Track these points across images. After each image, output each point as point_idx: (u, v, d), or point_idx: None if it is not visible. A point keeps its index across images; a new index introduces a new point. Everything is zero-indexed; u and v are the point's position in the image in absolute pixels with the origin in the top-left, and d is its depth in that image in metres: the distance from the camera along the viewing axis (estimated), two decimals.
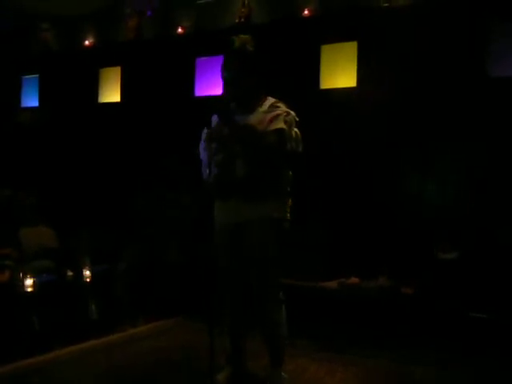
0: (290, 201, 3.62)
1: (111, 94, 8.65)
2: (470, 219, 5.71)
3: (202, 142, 3.65)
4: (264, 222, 3.48)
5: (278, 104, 3.54)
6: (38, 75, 9.53)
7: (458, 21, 5.94)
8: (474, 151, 5.79)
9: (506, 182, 5.65)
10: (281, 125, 3.41)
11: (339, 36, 6.63)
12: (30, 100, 9.63)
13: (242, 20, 7.27)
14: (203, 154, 3.64)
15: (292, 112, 3.53)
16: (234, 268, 3.65)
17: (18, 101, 9.75)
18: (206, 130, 3.59)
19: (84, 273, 5.80)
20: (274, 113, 3.45)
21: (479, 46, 5.85)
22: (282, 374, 3.65)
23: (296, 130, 3.52)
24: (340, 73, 6.61)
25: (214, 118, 3.55)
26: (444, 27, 5.99)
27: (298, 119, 3.55)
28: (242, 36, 3.56)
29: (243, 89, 3.53)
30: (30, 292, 5.24)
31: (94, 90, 8.76)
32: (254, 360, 3.95)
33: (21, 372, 3.97)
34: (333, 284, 5.82)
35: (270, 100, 3.57)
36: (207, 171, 3.50)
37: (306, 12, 6.89)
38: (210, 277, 3.49)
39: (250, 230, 3.51)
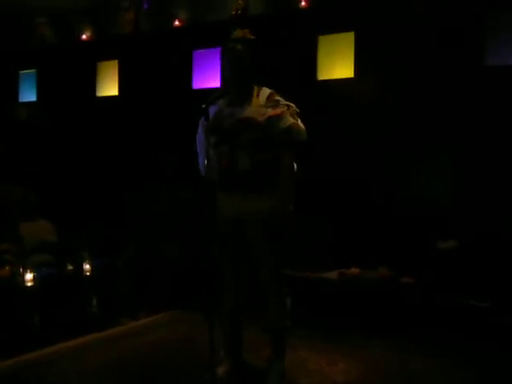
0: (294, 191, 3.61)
1: (109, 88, 8.62)
2: (468, 209, 5.70)
3: (200, 133, 3.66)
4: (268, 213, 3.49)
5: (277, 97, 3.54)
6: (35, 70, 9.51)
7: (455, 11, 5.91)
8: (472, 142, 5.78)
9: (504, 172, 5.64)
10: (290, 121, 3.43)
11: (336, 27, 6.60)
12: (28, 95, 9.60)
13: (239, 12, 7.24)
14: (199, 147, 3.67)
15: (291, 104, 3.54)
16: (236, 259, 3.66)
17: (16, 96, 9.72)
18: (203, 121, 3.59)
19: (84, 266, 5.82)
20: (276, 110, 3.45)
21: (476, 37, 5.82)
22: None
23: (300, 122, 3.50)
24: (337, 63, 6.60)
25: (212, 110, 3.54)
26: (441, 17, 5.97)
27: (298, 110, 3.55)
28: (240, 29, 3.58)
29: (243, 78, 3.53)
30: (31, 286, 5.25)
31: (92, 84, 8.73)
32: (253, 351, 3.96)
33: (22, 366, 3.99)
34: (333, 275, 5.81)
35: (266, 91, 3.57)
36: (205, 162, 3.50)
37: (302, 3, 6.87)
38: (210, 270, 3.49)
39: (253, 222, 3.52)
